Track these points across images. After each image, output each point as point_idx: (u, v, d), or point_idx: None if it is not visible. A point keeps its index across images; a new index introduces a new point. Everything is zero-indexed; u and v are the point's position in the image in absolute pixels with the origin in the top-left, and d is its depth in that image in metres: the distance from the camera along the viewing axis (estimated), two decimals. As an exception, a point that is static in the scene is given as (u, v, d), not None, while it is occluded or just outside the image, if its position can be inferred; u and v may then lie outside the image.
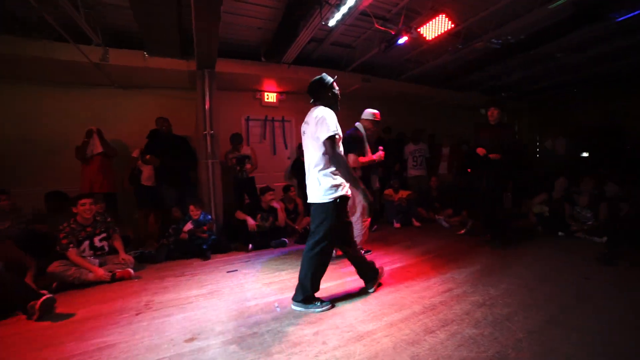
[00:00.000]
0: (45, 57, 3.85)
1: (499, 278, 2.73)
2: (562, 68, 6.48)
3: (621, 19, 4.10)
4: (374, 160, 3.37)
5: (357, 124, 3.48)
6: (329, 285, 2.72)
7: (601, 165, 4.98)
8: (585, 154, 5.89)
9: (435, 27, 3.96)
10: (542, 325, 1.93)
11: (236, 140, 5.08)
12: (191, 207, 4.00)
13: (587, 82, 7.36)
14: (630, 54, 5.58)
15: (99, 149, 4.28)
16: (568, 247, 3.63)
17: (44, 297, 2.31)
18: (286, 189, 5.07)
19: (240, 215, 4.31)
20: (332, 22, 3.75)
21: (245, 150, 5.12)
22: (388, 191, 5.52)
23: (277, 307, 2.35)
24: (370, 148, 3.46)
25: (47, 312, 2.32)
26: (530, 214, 4.55)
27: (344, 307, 2.28)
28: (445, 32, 3.98)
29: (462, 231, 4.22)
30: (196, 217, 4.00)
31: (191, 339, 1.93)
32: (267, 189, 4.37)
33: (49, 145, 4.67)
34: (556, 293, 2.38)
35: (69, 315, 2.32)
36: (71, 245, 2.95)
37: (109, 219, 3.35)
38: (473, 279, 2.73)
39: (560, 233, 4.07)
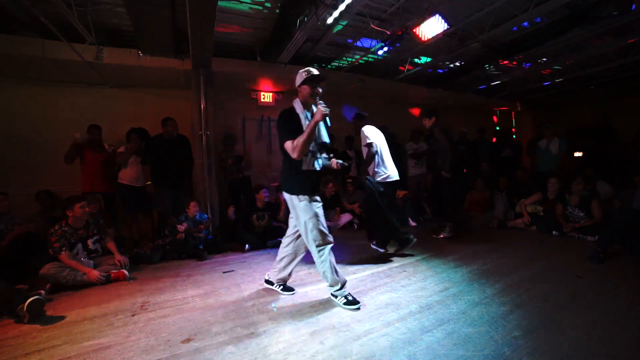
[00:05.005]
0: (38, 56, 3.81)
1: (494, 277, 2.75)
2: (555, 69, 6.58)
3: (612, 20, 4.17)
4: None
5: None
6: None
7: (592, 165, 5.04)
8: (578, 154, 5.97)
9: (431, 28, 3.98)
10: (538, 323, 1.94)
11: (229, 140, 5.10)
12: (193, 203, 3.95)
13: (580, 83, 7.48)
14: (622, 55, 5.67)
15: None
16: (562, 246, 3.67)
17: (31, 299, 2.22)
18: (278, 189, 5.09)
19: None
20: (327, 22, 3.75)
21: (239, 150, 5.13)
22: (384, 191, 5.53)
23: (275, 307, 2.35)
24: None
25: (37, 314, 2.26)
26: (524, 213, 4.59)
27: (340, 307, 2.28)
28: (440, 32, 4.01)
29: (442, 235, 4.24)
30: (194, 214, 3.96)
31: (187, 340, 1.91)
32: (261, 187, 4.36)
33: (41, 145, 4.62)
34: (551, 292, 2.41)
35: (63, 317, 2.29)
36: (63, 248, 2.91)
37: (101, 222, 3.31)
38: (469, 279, 2.75)
39: (554, 232, 4.12)
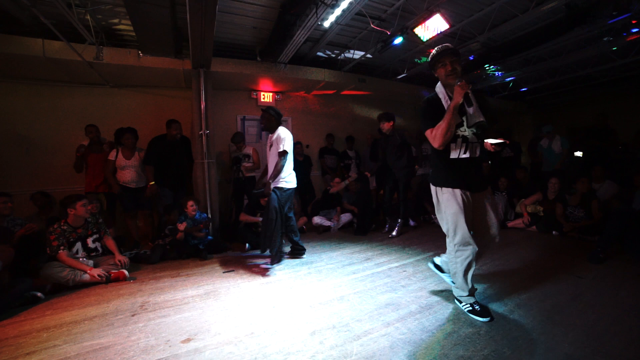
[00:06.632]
0: (38, 56, 3.80)
1: (494, 278, 2.75)
2: (555, 69, 6.57)
3: (612, 21, 4.16)
4: None
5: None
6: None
7: (594, 165, 5.04)
8: (578, 154, 5.96)
9: (430, 28, 3.98)
10: (538, 323, 1.94)
11: (237, 139, 5.07)
12: (190, 202, 3.94)
13: (580, 83, 7.48)
14: (621, 55, 5.67)
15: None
16: (562, 246, 3.67)
17: None
18: None
19: (243, 216, 4.31)
20: (327, 23, 3.76)
21: (247, 149, 5.10)
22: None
23: (274, 307, 2.35)
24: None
25: None
26: (524, 213, 4.59)
27: (340, 307, 2.28)
28: (440, 32, 4.01)
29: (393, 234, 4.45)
30: (193, 214, 3.97)
31: (187, 340, 1.92)
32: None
33: (41, 146, 4.62)
34: (551, 292, 2.41)
35: (63, 317, 2.30)
36: (62, 247, 2.91)
37: (100, 220, 3.31)
38: (469, 278, 2.75)
39: (554, 232, 4.12)
